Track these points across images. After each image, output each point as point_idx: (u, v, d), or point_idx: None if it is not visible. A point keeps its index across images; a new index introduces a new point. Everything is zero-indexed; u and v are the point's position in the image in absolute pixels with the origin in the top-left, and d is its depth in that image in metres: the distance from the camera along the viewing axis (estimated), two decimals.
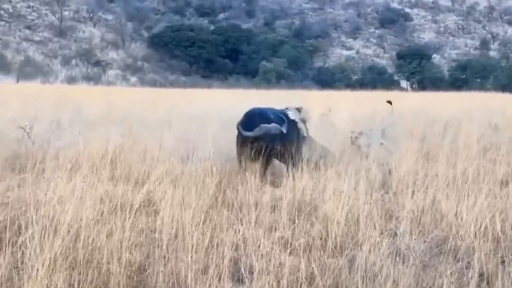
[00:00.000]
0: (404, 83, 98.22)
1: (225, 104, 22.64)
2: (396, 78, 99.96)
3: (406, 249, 7.81)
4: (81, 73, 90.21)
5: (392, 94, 49.37)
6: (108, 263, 6.67)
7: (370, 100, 32.02)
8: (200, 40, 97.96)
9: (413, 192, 10.03)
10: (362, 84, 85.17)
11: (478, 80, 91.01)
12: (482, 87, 74.48)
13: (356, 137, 14.77)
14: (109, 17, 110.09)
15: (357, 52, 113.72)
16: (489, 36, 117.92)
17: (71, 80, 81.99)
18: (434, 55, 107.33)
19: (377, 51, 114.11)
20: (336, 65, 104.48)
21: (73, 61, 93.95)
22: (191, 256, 6.76)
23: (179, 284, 6.48)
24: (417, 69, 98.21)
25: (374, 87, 72.36)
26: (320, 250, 7.75)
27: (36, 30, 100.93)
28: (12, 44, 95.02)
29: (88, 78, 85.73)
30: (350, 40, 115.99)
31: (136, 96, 33.36)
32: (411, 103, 31.80)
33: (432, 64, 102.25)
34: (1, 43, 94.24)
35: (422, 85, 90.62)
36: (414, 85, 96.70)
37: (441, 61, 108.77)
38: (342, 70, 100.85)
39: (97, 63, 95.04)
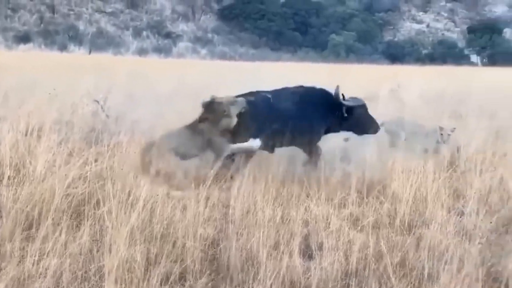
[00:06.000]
0: (474, 58, 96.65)
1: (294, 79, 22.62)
2: (466, 52, 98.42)
3: (473, 228, 7.89)
4: (152, 44, 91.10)
5: (463, 69, 48.83)
6: (183, 237, 6.88)
7: (440, 75, 31.74)
8: (270, 13, 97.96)
9: (481, 171, 10.06)
10: (432, 58, 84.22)
11: None
12: None
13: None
14: None
15: (428, 26, 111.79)
16: None
17: (142, 51, 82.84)
18: (505, 29, 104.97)
19: (447, 25, 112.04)
20: (406, 39, 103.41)
21: (144, 33, 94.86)
22: (263, 232, 6.93)
23: (251, 259, 6.62)
24: (488, 43, 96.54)
25: (444, 62, 71.51)
26: (388, 228, 7.88)
27: (108, 1, 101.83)
28: (84, 16, 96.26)
29: (158, 50, 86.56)
30: (420, 13, 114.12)
31: (206, 69, 33.41)
32: (482, 78, 31.42)
33: (503, 38, 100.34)
34: (74, 14, 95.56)
35: (493, 60, 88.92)
36: (484, 60, 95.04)
37: None
38: (412, 44, 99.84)
39: (168, 35, 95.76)
